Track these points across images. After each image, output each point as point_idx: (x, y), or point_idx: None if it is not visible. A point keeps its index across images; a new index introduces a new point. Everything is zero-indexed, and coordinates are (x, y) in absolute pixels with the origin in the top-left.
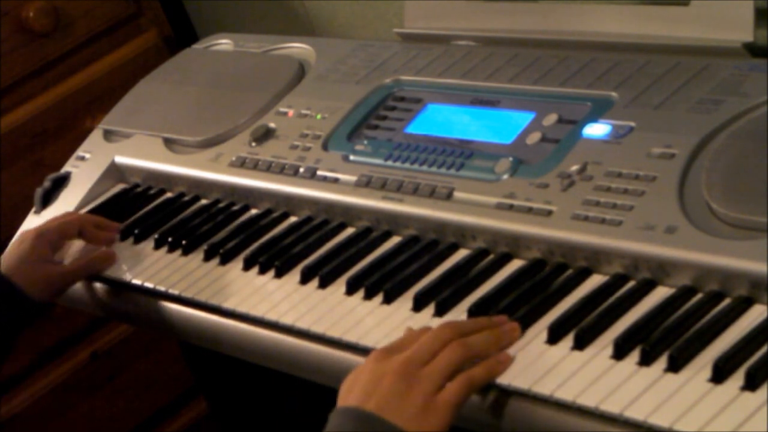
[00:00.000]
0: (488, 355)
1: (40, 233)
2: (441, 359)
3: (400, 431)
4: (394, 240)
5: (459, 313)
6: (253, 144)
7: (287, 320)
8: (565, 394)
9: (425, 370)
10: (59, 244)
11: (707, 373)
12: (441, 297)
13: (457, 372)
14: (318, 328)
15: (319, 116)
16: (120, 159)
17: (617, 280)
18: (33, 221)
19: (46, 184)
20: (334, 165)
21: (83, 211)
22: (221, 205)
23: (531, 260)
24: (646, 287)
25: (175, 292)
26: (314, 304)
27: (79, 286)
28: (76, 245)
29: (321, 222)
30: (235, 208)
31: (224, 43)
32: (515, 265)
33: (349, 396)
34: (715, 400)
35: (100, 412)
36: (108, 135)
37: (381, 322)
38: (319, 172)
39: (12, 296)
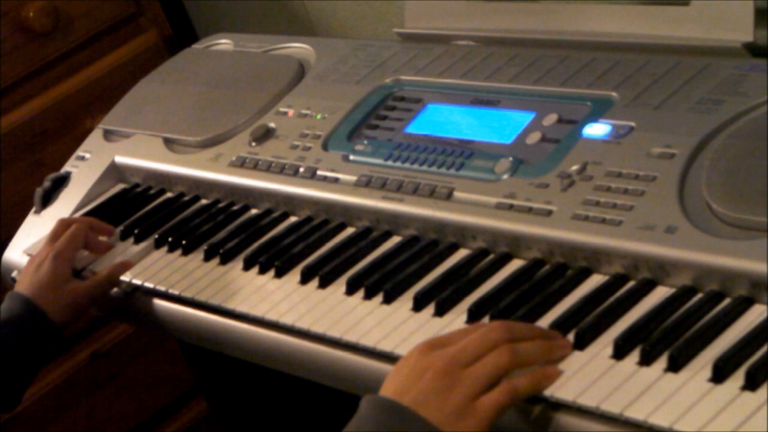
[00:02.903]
0: (534, 365)
1: (58, 254)
2: (487, 362)
3: (434, 428)
4: (394, 240)
5: (459, 313)
6: (253, 144)
7: (287, 320)
8: (565, 394)
9: (469, 370)
10: (74, 255)
11: (707, 373)
12: (441, 297)
13: (502, 377)
14: (318, 328)
15: (319, 116)
16: (120, 159)
17: (617, 280)
18: (33, 221)
19: (46, 184)
20: (334, 165)
21: (82, 211)
22: (221, 205)
23: (531, 260)
24: (646, 287)
25: (175, 292)
26: (314, 304)
27: None
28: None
29: (321, 222)
30: (235, 208)
31: (224, 43)
32: (515, 265)
33: (388, 386)
34: (715, 400)
35: (100, 412)
36: (108, 135)
37: (381, 322)
38: (319, 172)
39: (40, 324)
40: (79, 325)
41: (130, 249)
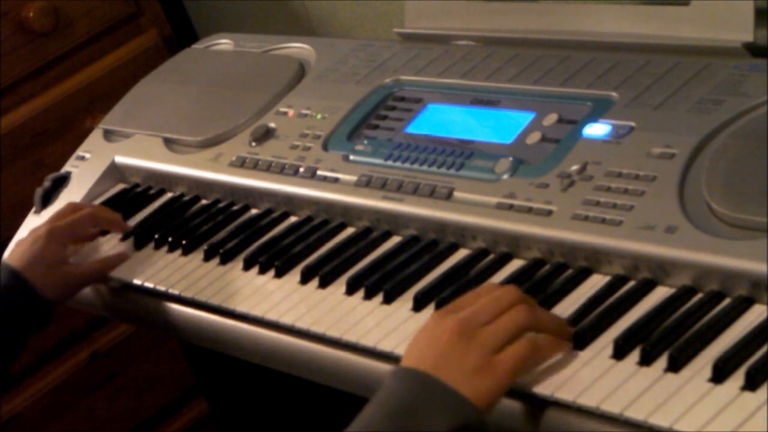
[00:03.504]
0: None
1: (53, 234)
2: (505, 318)
3: (453, 392)
4: (394, 240)
5: None
6: (253, 144)
7: (287, 320)
8: (565, 394)
9: (487, 328)
10: (70, 242)
11: (707, 373)
12: (441, 297)
13: (519, 336)
14: (318, 328)
15: (319, 116)
16: (120, 159)
17: (617, 280)
18: (33, 221)
19: (46, 184)
20: (334, 165)
21: None
22: (221, 205)
23: (531, 260)
24: (646, 287)
25: (175, 292)
26: (314, 304)
27: None
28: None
29: (321, 222)
30: (235, 208)
31: (224, 43)
32: (515, 265)
33: (408, 356)
34: (715, 400)
35: (100, 412)
36: (108, 135)
37: (381, 322)
38: (319, 172)
39: (27, 296)
40: (78, 323)
41: (130, 249)
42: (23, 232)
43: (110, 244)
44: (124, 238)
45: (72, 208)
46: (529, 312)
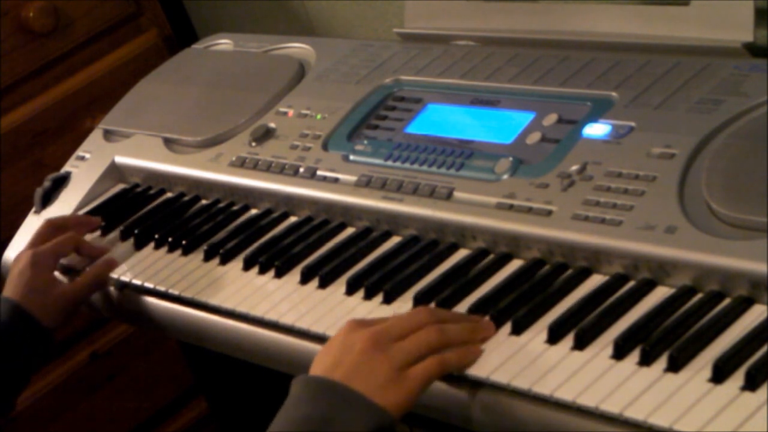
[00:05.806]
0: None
1: (36, 262)
2: (415, 338)
3: (364, 398)
4: (394, 240)
5: None
6: (253, 144)
7: (287, 320)
8: (565, 394)
9: (398, 344)
10: (56, 263)
11: (707, 373)
12: (441, 297)
13: (428, 354)
14: (318, 328)
15: (319, 116)
16: (120, 159)
17: (617, 280)
18: (33, 221)
19: (46, 184)
20: (334, 165)
21: (82, 211)
22: (221, 205)
23: (531, 260)
24: (646, 287)
25: (175, 292)
26: (314, 304)
27: None
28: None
29: (321, 222)
30: (235, 208)
31: (224, 43)
32: (515, 265)
33: (318, 364)
34: (715, 400)
35: (100, 412)
36: (108, 135)
37: None
38: (319, 172)
39: (30, 328)
40: (78, 323)
41: (130, 249)
42: (23, 232)
43: (115, 248)
44: (123, 238)
45: (51, 225)
46: (438, 333)
